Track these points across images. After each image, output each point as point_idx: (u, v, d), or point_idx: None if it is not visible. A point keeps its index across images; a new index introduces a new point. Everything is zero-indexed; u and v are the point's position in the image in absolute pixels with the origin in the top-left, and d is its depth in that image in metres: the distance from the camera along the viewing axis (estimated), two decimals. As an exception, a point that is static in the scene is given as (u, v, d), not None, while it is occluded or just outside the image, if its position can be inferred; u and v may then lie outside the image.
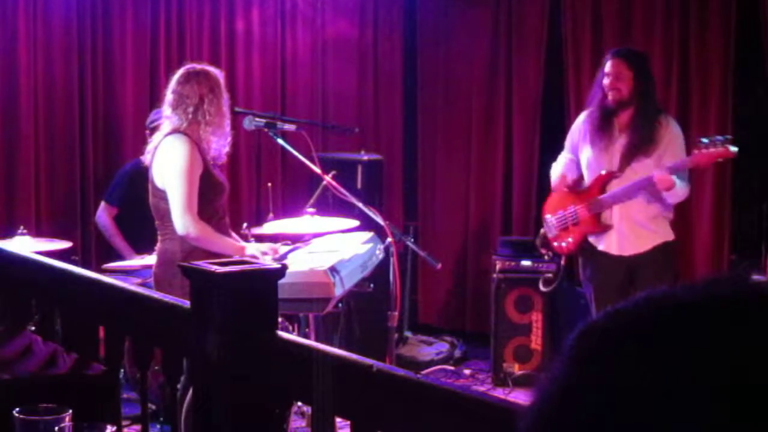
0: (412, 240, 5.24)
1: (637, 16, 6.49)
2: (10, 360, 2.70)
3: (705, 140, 4.87)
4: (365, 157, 6.60)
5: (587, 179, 5.15)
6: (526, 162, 7.01)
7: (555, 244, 5.29)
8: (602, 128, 5.01)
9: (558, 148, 6.94)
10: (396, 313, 4.78)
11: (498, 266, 6.28)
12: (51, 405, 1.94)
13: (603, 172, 5.04)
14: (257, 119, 4.68)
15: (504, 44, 7.08)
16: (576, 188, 5.22)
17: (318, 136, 6.91)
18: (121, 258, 5.69)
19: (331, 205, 5.70)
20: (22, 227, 5.26)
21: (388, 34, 7.51)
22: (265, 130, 4.69)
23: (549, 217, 5.29)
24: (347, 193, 4.57)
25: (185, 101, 4.20)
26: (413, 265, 7.18)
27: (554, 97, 6.87)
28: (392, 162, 7.33)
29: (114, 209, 5.84)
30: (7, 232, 5.38)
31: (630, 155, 4.97)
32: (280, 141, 4.67)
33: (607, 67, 4.98)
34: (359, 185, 6.38)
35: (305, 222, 5.11)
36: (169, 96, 4.28)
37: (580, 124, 5.19)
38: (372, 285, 4.95)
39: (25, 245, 4.89)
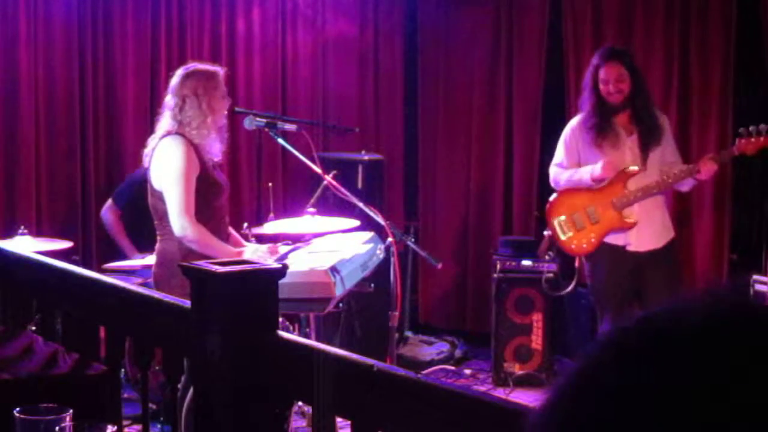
0: (413, 240, 5.23)
1: (637, 16, 6.49)
2: (11, 360, 2.70)
3: (750, 129, 4.95)
4: (366, 157, 6.60)
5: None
6: (526, 162, 7.01)
7: (572, 246, 5.23)
8: (605, 130, 5.03)
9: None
10: (397, 313, 4.78)
11: (498, 266, 6.27)
12: (52, 405, 1.94)
13: (629, 168, 5.05)
14: (258, 119, 4.68)
15: (504, 44, 7.08)
16: (586, 188, 5.21)
17: (319, 136, 6.92)
18: (123, 255, 5.69)
19: (332, 205, 5.71)
20: (22, 227, 5.26)
21: (388, 33, 7.51)
22: (266, 130, 4.69)
23: (561, 219, 5.25)
24: (348, 193, 4.57)
25: (172, 102, 4.23)
26: (414, 264, 7.18)
27: (555, 97, 6.87)
28: (393, 162, 7.33)
29: (119, 210, 5.85)
30: (8, 232, 5.38)
31: (647, 148, 5.05)
32: (280, 141, 4.67)
33: (603, 72, 5.00)
34: (360, 185, 6.38)
35: (306, 222, 5.11)
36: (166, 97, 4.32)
37: (576, 132, 5.18)
38: (372, 285, 4.95)
39: (25, 245, 4.89)
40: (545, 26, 6.92)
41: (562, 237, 5.23)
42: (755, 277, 5.60)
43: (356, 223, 5.09)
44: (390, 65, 7.51)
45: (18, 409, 1.92)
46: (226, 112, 4.35)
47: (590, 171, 5.10)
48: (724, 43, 6.16)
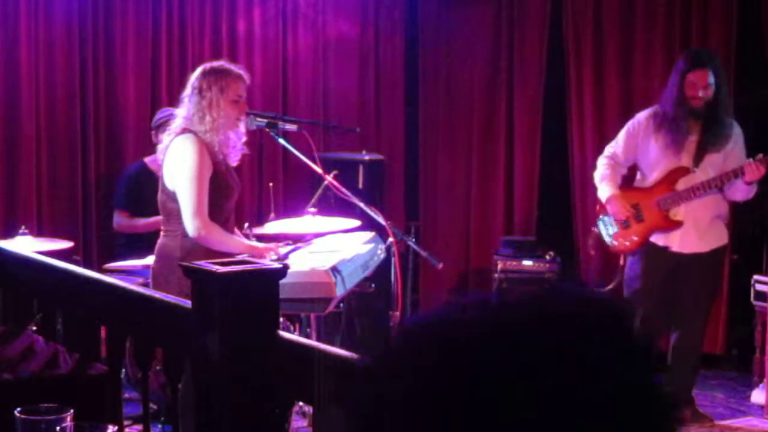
0: (414, 240, 5.23)
1: (638, 16, 6.49)
2: (11, 360, 2.70)
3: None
4: (366, 157, 6.60)
5: (649, 177, 5.16)
6: (527, 161, 7.01)
7: (615, 243, 5.25)
8: (675, 129, 5.02)
9: (560, 147, 6.95)
10: (397, 313, 4.78)
11: (499, 266, 6.27)
12: (52, 405, 1.94)
13: (674, 168, 5.06)
14: (259, 119, 4.68)
15: (505, 44, 7.08)
16: (636, 186, 5.22)
17: (319, 136, 6.91)
18: (152, 239, 5.64)
19: (333, 205, 5.70)
20: (23, 227, 5.26)
21: (389, 33, 7.50)
22: (267, 130, 4.69)
23: (608, 216, 5.26)
24: (348, 193, 4.57)
25: (185, 97, 4.22)
26: (415, 264, 7.18)
27: (556, 97, 6.87)
28: (393, 162, 7.33)
29: (126, 212, 5.83)
30: (9, 232, 5.38)
31: (703, 151, 5.05)
32: (281, 141, 4.67)
33: (692, 76, 4.99)
34: (360, 185, 6.38)
35: (307, 222, 5.12)
36: None
37: (641, 124, 5.17)
38: (373, 285, 4.96)
39: (26, 245, 4.89)
40: (546, 26, 6.91)
41: (608, 233, 5.24)
42: (755, 277, 5.60)
43: (357, 223, 5.09)
44: (391, 65, 7.51)
45: (19, 409, 1.92)
46: (237, 118, 4.28)
47: (605, 194, 5.19)
48: (724, 42, 6.16)
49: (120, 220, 5.85)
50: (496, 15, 7.12)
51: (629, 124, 5.27)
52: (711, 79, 5.01)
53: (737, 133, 5.15)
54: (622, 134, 5.28)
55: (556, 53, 6.88)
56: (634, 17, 6.50)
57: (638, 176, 5.32)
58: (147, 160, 5.86)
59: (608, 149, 5.33)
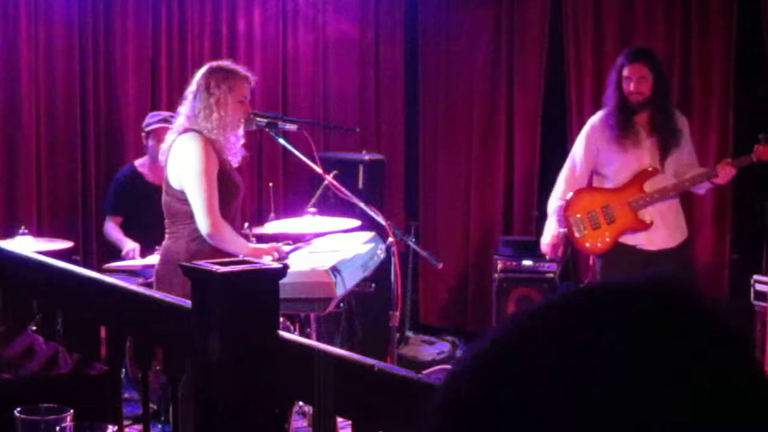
0: (414, 240, 5.24)
1: (638, 16, 6.49)
2: (11, 360, 2.70)
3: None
4: (366, 157, 6.60)
5: (614, 179, 5.18)
6: (527, 161, 7.01)
7: (587, 244, 5.25)
8: (626, 128, 5.06)
9: (560, 147, 6.94)
10: (397, 313, 4.77)
11: (499, 266, 6.28)
12: (52, 405, 1.94)
13: (642, 170, 5.08)
14: (258, 119, 4.67)
15: (505, 44, 7.08)
16: (603, 187, 5.23)
17: (319, 136, 6.91)
18: (119, 248, 5.65)
19: (333, 205, 5.71)
20: (23, 227, 5.26)
21: (389, 33, 7.51)
22: (267, 129, 4.68)
23: (578, 217, 5.25)
24: (348, 193, 4.57)
25: (189, 95, 4.21)
26: (414, 264, 7.18)
27: (555, 97, 6.87)
28: (393, 162, 7.33)
29: (118, 218, 5.83)
30: (9, 232, 5.38)
31: (666, 151, 5.09)
32: (281, 141, 4.66)
33: (627, 71, 5.02)
34: (360, 185, 6.37)
35: (307, 222, 5.12)
36: None
37: (597, 129, 5.20)
38: (373, 285, 4.95)
39: (26, 245, 4.89)
40: (546, 25, 6.91)
41: (577, 235, 5.24)
42: (755, 277, 5.60)
43: (357, 223, 5.10)
44: (391, 65, 7.51)
45: (19, 409, 1.92)
46: (241, 119, 4.28)
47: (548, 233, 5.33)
48: (724, 42, 6.16)
49: (110, 226, 5.82)
50: (496, 15, 7.12)
51: (586, 131, 5.27)
52: (646, 73, 5.04)
53: (686, 123, 5.23)
54: (581, 143, 5.27)
55: (557, 53, 6.88)
56: (634, 18, 6.50)
57: (595, 178, 5.31)
58: (137, 163, 5.86)
59: (563, 172, 5.33)
